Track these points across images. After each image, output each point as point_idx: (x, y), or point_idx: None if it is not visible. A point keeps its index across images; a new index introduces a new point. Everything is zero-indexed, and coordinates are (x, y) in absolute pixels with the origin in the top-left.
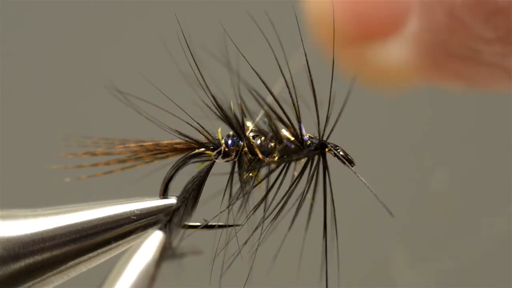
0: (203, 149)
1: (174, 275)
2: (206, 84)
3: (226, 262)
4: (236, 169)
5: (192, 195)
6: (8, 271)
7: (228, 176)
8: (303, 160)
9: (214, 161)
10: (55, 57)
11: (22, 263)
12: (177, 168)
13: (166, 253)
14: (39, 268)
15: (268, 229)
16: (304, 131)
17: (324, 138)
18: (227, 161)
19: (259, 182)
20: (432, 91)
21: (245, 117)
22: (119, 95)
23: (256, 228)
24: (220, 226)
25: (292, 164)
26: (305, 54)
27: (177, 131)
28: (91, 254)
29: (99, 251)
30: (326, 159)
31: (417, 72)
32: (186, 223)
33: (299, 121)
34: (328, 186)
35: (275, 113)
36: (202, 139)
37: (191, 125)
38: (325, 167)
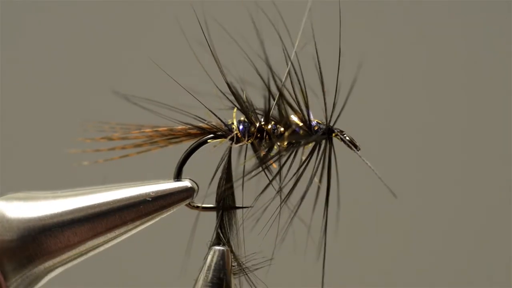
0: (213, 134)
1: None
2: (220, 70)
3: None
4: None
5: (226, 188)
6: (29, 250)
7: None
8: (311, 145)
9: (231, 147)
10: (72, 44)
11: (42, 243)
12: (190, 152)
13: (235, 265)
14: (59, 248)
15: (278, 210)
16: (312, 117)
17: (331, 124)
18: (240, 145)
19: (271, 161)
20: (440, 80)
21: (255, 102)
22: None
23: (265, 208)
24: (231, 208)
25: (300, 148)
26: (315, 43)
27: (190, 116)
28: (108, 234)
29: (116, 231)
30: (332, 143)
31: None
32: (200, 205)
33: (307, 108)
34: (334, 169)
35: (284, 100)
36: (215, 123)
37: (207, 111)
38: (331, 152)
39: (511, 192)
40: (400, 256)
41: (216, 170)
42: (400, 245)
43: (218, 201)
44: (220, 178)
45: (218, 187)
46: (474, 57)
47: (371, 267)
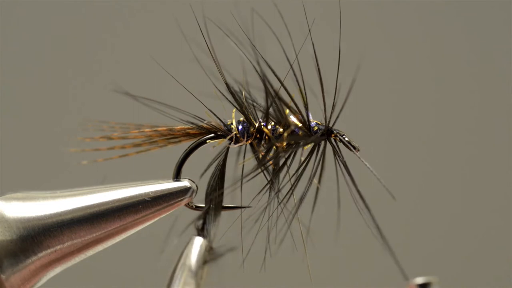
0: (213, 134)
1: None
2: (219, 70)
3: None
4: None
5: (216, 187)
6: (29, 250)
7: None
8: (310, 146)
9: (229, 147)
10: (72, 43)
11: (42, 243)
12: (189, 152)
13: (209, 256)
14: (58, 248)
15: (278, 211)
16: (311, 118)
17: (331, 125)
18: (239, 146)
19: (269, 160)
20: (439, 81)
21: (255, 103)
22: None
23: (266, 207)
24: (230, 208)
25: (299, 149)
26: (313, 44)
27: (189, 116)
28: (107, 234)
29: (115, 230)
30: (336, 145)
31: None
32: (196, 204)
33: (306, 108)
34: (337, 169)
35: (283, 101)
36: (214, 124)
37: (207, 110)
38: (336, 152)
39: (511, 192)
40: (399, 257)
41: (208, 167)
42: (399, 246)
43: (208, 197)
44: (212, 176)
45: (209, 185)
46: (473, 58)
47: (371, 267)
